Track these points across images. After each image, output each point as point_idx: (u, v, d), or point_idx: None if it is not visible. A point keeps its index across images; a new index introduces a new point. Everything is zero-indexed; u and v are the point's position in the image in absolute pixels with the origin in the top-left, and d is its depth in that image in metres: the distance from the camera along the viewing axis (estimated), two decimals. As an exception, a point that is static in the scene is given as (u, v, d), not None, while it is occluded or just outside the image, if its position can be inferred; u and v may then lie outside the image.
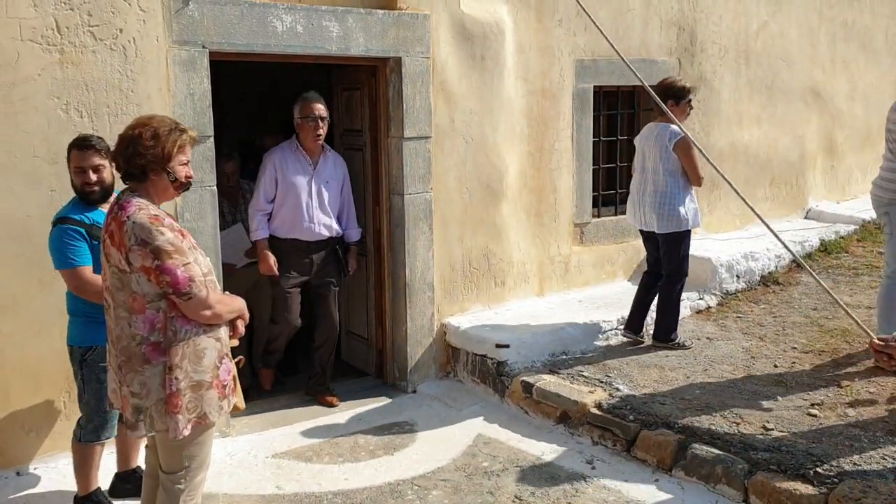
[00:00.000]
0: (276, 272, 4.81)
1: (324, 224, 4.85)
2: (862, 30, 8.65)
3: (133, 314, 2.69)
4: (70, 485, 3.74)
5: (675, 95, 5.12)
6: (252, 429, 4.71)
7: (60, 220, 3.43)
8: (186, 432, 2.74)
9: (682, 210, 5.10)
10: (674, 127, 4.98)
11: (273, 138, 5.73)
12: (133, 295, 2.69)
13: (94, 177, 3.43)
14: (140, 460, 3.91)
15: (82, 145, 3.42)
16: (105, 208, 3.48)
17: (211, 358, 2.80)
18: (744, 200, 3.18)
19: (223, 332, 2.89)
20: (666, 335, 5.32)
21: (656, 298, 5.35)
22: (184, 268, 2.67)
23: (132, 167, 2.73)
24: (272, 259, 4.79)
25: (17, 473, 4.01)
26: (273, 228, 4.82)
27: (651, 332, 5.44)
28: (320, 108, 4.73)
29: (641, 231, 5.39)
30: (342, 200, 4.99)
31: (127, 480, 3.87)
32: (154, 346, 2.70)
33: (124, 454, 3.86)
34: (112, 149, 2.84)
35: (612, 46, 4.08)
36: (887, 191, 4.68)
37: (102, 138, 3.51)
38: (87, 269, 3.39)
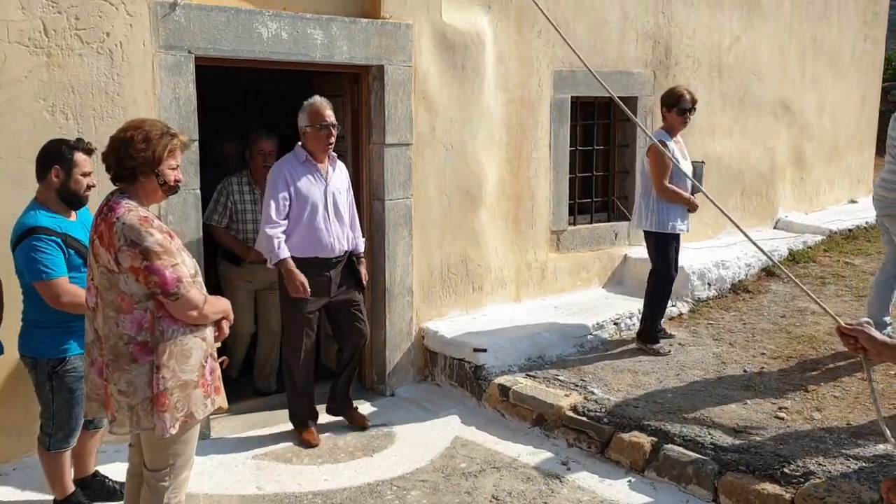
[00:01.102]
0: (308, 294, 4.40)
1: (343, 237, 4.54)
2: (830, 47, 8.90)
3: (121, 314, 2.74)
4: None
5: (668, 103, 5.37)
6: (232, 430, 4.75)
7: (33, 231, 3.33)
8: (173, 431, 2.79)
9: (653, 211, 5.33)
10: (660, 133, 5.32)
11: (232, 145, 5.71)
12: (121, 295, 2.74)
13: (93, 179, 3.46)
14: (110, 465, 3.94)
15: (88, 150, 3.44)
16: (73, 218, 3.52)
17: (197, 357, 2.86)
18: (722, 210, 3.29)
19: (209, 332, 2.95)
20: (645, 337, 5.51)
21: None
22: (172, 268, 2.73)
23: (123, 169, 2.78)
24: (302, 278, 4.35)
25: (-3, 473, 4.03)
26: (290, 248, 4.38)
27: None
28: (331, 115, 4.40)
29: None
30: (350, 209, 4.70)
31: (87, 486, 3.82)
32: (141, 345, 2.75)
33: (82, 460, 3.81)
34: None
35: (577, 54, 4.18)
36: (893, 192, 4.97)
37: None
38: (64, 280, 3.33)
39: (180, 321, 2.79)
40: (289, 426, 4.75)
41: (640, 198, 5.43)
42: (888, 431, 2.34)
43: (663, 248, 5.40)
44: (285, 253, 4.35)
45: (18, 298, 3.55)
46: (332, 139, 4.43)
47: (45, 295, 3.33)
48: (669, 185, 5.24)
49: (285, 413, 4.90)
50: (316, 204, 4.41)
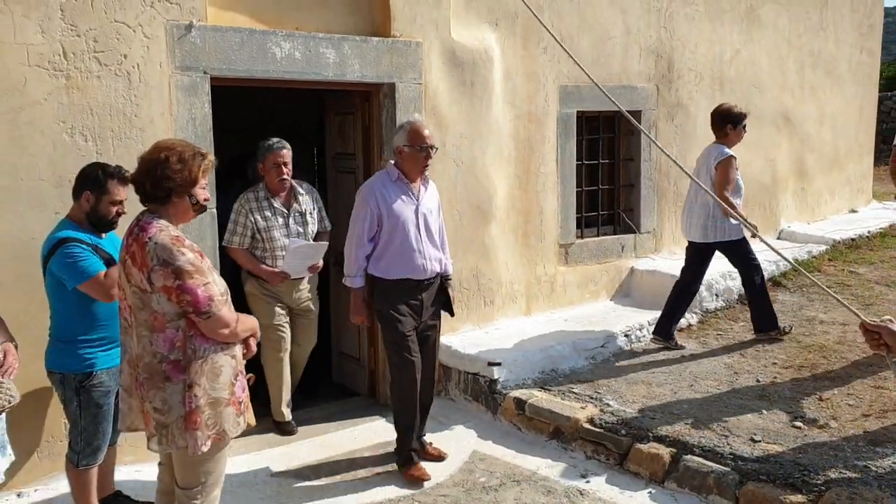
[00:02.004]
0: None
1: (435, 258, 4.34)
2: (828, 58, 9.00)
3: (154, 333, 2.77)
4: (71, 506, 3.75)
5: (733, 121, 5.71)
6: (249, 448, 4.75)
7: (65, 240, 3.39)
8: (205, 448, 2.81)
9: (720, 221, 5.58)
10: (723, 148, 5.63)
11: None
12: (154, 314, 2.76)
13: (124, 208, 3.52)
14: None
15: (123, 179, 3.47)
16: (103, 236, 3.56)
17: (227, 375, 2.88)
18: (745, 223, 3.34)
19: (237, 349, 2.98)
20: (763, 327, 5.80)
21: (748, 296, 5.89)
22: (204, 287, 2.75)
23: (159, 190, 2.81)
24: (364, 316, 4.34)
25: (18, 495, 4.02)
26: (380, 269, 4.23)
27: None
28: (430, 136, 4.23)
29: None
30: (440, 229, 4.52)
31: None
32: (174, 364, 2.77)
33: (102, 480, 3.79)
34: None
35: (591, 78, 4.24)
36: None
37: None
38: (104, 273, 3.37)
39: (211, 339, 2.81)
40: (305, 444, 4.76)
41: (713, 210, 5.56)
42: None
43: (742, 249, 5.67)
44: (360, 283, 4.25)
45: (45, 314, 3.57)
46: (429, 162, 4.28)
47: (98, 292, 3.35)
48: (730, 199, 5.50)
49: (300, 430, 4.92)
50: (407, 224, 4.21)
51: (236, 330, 2.87)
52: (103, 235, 3.55)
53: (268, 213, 4.84)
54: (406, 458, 4.37)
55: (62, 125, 3.96)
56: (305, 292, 5.07)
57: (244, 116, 6.79)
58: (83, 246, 3.39)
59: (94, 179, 3.45)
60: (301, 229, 4.92)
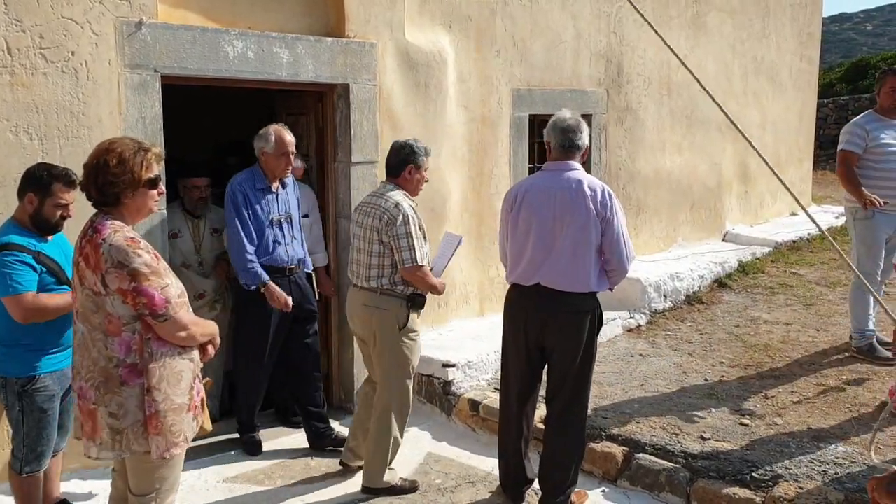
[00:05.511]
0: None
1: None
2: (770, 65, 9.27)
3: (109, 336, 2.70)
4: (12, 517, 3.63)
5: None
6: (198, 454, 4.65)
7: (4, 247, 3.29)
8: (168, 455, 2.76)
9: None
10: None
11: None
12: (108, 317, 2.69)
13: (69, 211, 3.42)
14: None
15: (69, 182, 3.37)
16: (48, 239, 3.46)
17: (188, 380, 2.83)
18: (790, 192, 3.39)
19: (195, 353, 2.93)
20: None
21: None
22: (161, 290, 2.69)
23: (107, 196, 2.73)
24: None
25: (-43, 506, 3.88)
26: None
27: None
28: None
29: None
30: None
31: None
32: (130, 367, 2.71)
33: (47, 488, 3.69)
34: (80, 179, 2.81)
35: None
36: (847, 200, 5.38)
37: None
38: (30, 295, 3.28)
39: (169, 343, 2.76)
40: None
41: None
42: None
43: None
44: None
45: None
46: None
47: (14, 310, 3.26)
48: None
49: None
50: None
51: (193, 332, 2.81)
52: (48, 238, 3.44)
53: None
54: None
55: (6, 123, 3.84)
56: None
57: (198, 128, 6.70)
58: (24, 256, 3.28)
59: (38, 181, 3.34)
60: None
